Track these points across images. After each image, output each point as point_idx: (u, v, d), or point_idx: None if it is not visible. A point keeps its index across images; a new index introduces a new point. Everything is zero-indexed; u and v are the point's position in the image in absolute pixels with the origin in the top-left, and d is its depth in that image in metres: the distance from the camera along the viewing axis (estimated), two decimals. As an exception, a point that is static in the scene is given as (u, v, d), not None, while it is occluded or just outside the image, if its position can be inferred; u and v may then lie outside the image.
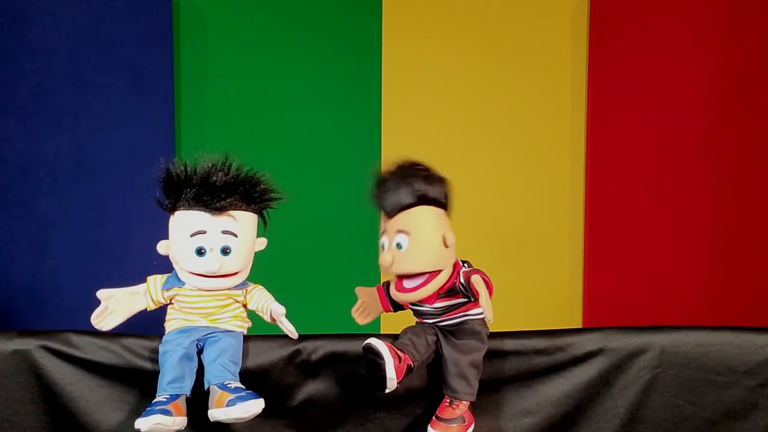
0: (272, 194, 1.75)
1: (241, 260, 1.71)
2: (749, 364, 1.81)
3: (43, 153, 2.96)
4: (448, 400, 1.72)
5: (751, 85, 3.04)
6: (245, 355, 1.73)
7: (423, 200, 1.67)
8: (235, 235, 1.68)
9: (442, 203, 1.70)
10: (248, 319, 1.77)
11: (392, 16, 3.20)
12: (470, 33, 3.23)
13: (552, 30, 3.23)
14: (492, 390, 1.81)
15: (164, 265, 1.75)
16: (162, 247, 1.72)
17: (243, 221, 1.70)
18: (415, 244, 1.65)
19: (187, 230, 1.67)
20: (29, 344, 1.73)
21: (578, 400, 1.82)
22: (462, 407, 1.71)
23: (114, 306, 1.72)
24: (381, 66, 3.20)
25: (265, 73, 3.16)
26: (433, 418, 1.72)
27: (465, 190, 3.27)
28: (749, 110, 3.05)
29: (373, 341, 1.62)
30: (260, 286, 1.77)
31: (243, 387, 1.65)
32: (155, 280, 1.75)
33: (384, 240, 1.70)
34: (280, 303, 1.72)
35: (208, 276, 1.68)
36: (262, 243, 1.78)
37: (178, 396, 1.64)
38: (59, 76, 2.95)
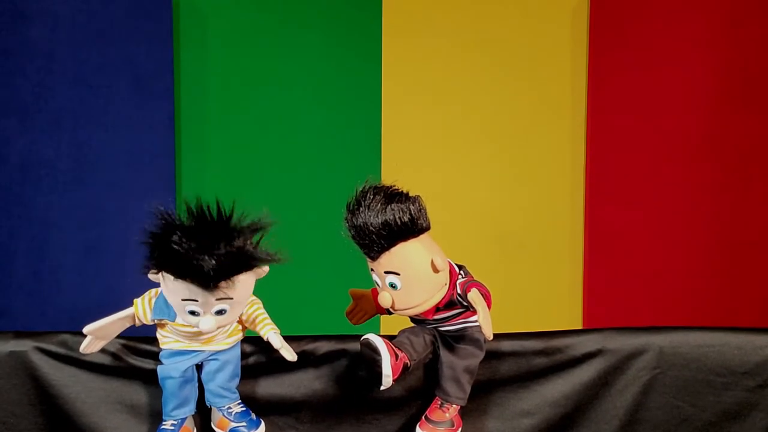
0: (269, 256, 1.52)
1: (237, 313, 1.60)
2: (748, 365, 1.80)
3: (43, 153, 2.96)
4: (439, 402, 1.71)
5: (751, 85, 3.04)
6: (245, 356, 1.73)
7: (399, 237, 1.57)
8: (231, 298, 1.53)
9: (418, 229, 1.58)
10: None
11: (392, 16, 3.20)
12: (470, 33, 3.23)
13: (552, 30, 3.23)
14: (490, 391, 1.80)
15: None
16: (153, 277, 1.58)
17: (239, 283, 1.52)
18: (408, 281, 1.59)
19: (177, 294, 1.52)
20: (25, 346, 1.73)
21: (577, 401, 1.81)
22: (452, 411, 1.70)
23: (101, 334, 1.65)
24: (381, 66, 3.20)
25: (264, 73, 3.16)
26: (423, 418, 1.72)
27: (465, 190, 3.31)
28: (749, 110, 3.04)
29: (371, 337, 1.61)
30: (255, 302, 1.69)
31: (243, 410, 1.68)
32: (144, 306, 1.63)
33: (375, 277, 1.64)
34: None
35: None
36: (263, 272, 1.59)
37: (185, 419, 1.67)
38: (59, 76, 2.95)
